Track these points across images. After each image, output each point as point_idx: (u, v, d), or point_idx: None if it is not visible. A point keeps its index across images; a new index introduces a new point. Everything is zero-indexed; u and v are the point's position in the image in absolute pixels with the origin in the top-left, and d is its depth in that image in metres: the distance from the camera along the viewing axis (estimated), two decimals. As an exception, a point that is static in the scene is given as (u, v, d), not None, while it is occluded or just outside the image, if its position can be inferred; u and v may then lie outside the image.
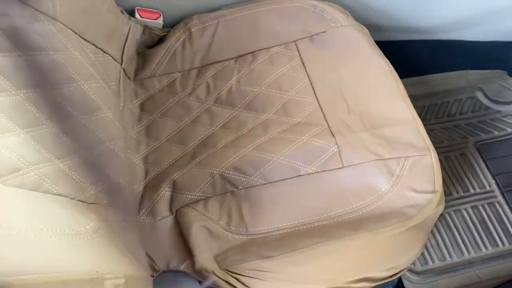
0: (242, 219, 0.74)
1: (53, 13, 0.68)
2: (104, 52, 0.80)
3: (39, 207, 0.49)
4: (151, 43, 0.94)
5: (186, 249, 0.71)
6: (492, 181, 1.09)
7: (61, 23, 0.69)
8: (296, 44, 0.92)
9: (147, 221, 0.75)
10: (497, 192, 1.08)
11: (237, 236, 0.73)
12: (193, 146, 0.82)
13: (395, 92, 0.83)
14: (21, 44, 0.59)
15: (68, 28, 0.70)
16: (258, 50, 0.92)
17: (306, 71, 0.88)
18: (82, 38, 0.74)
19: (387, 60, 0.87)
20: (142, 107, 0.87)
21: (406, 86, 0.85)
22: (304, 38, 0.92)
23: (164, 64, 0.91)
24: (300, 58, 0.90)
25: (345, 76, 0.86)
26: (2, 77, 0.54)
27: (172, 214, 0.76)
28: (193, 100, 0.88)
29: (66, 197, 0.55)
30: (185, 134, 0.84)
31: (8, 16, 0.59)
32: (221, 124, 0.85)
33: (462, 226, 1.03)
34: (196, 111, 0.87)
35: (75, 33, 0.72)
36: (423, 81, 1.22)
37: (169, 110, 0.87)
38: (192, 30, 0.91)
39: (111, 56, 0.82)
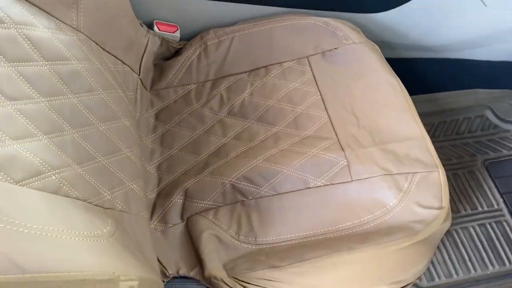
0: (252, 229, 0.75)
1: (76, 25, 0.71)
2: (123, 62, 0.83)
3: (59, 209, 0.51)
4: (168, 55, 0.97)
5: (196, 256, 0.73)
6: (500, 200, 1.09)
7: (84, 34, 0.72)
8: (308, 60, 0.94)
9: (158, 227, 0.77)
10: (505, 211, 1.08)
11: (246, 245, 0.74)
12: (205, 156, 0.84)
13: (404, 109, 0.85)
14: (46, 54, 0.61)
15: (90, 39, 0.73)
16: (271, 64, 0.94)
17: (318, 86, 0.90)
18: (103, 49, 0.77)
19: (397, 77, 0.89)
20: (157, 117, 0.90)
21: (415, 103, 0.87)
22: (316, 54, 0.94)
23: (180, 76, 0.93)
24: (312, 73, 0.92)
25: (355, 91, 0.88)
26: (28, 84, 0.56)
27: (183, 221, 0.78)
28: (207, 111, 0.90)
29: (84, 201, 0.57)
30: (198, 144, 0.86)
31: (36, 27, 0.62)
32: (233, 135, 0.87)
33: (469, 244, 1.03)
34: (210, 121, 0.89)
35: (97, 44, 0.75)
36: (433, 98, 1.23)
37: (184, 120, 0.89)
38: (208, 43, 0.94)
39: (130, 67, 0.85)
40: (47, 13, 0.66)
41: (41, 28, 0.63)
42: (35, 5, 0.65)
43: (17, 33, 0.58)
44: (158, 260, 0.71)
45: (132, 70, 0.86)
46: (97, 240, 0.51)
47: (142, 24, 0.90)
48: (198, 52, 0.94)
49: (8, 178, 0.48)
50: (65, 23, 0.69)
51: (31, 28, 0.61)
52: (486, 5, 1.00)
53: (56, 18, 0.67)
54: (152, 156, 0.85)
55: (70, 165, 0.57)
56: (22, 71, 0.56)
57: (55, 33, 0.65)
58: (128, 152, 0.72)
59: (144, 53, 0.90)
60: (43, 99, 0.58)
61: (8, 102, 0.52)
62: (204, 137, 0.87)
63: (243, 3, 0.96)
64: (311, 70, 0.92)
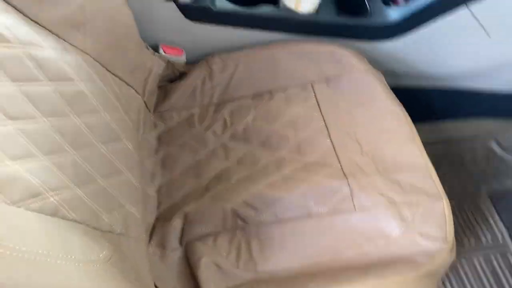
0: (251, 257, 0.74)
1: (83, 46, 0.71)
2: (127, 84, 0.83)
3: (56, 232, 0.50)
4: (173, 77, 0.98)
5: (194, 282, 0.71)
6: (505, 232, 1.08)
7: (89, 56, 0.72)
8: (312, 86, 0.94)
9: (157, 252, 0.75)
10: (510, 244, 1.06)
11: (245, 274, 0.72)
12: (207, 180, 0.83)
13: (408, 138, 0.84)
14: (51, 74, 0.61)
15: (96, 60, 0.74)
16: (275, 89, 0.94)
17: (321, 112, 0.90)
18: (108, 70, 0.77)
19: (402, 106, 0.89)
20: (159, 139, 0.90)
21: (420, 131, 0.86)
22: (320, 80, 0.94)
23: (184, 99, 0.93)
24: (316, 99, 0.92)
25: (359, 119, 0.88)
26: (31, 104, 0.56)
27: (182, 246, 0.76)
28: (210, 134, 0.90)
29: (82, 224, 0.56)
30: (200, 168, 0.85)
31: (42, 47, 0.62)
32: (235, 159, 0.86)
33: (473, 277, 1.01)
34: (212, 145, 0.88)
35: (102, 65, 0.75)
36: (438, 127, 1.23)
37: (186, 143, 0.89)
38: (213, 67, 0.95)
39: (134, 89, 0.85)
40: (54, 34, 0.67)
41: (48, 49, 0.63)
42: (42, 26, 0.65)
43: (23, 53, 0.59)
44: (155, 286, 0.70)
45: (136, 92, 0.86)
46: (93, 265, 0.50)
47: (148, 47, 0.90)
48: (202, 76, 0.94)
49: (5, 199, 0.47)
50: (71, 44, 0.69)
51: (37, 48, 0.62)
52: (490, 37, 1.00)
53: (63, 39, 0.68)
54: (152, 178, 0.84)
55: (69, 186, 0.56)
56: (26, 91, 0.56)
57: (61, 53, 0.66)
58: (129, 174, 0.71)
59: (149, 75, 0.90)
60: (45, 119, 0.57)
61: (9, 121, 0.52)
62: (206, 160, 0.86)
63: (249, 29, 0.97)
64: (315, 96, 0.92)
